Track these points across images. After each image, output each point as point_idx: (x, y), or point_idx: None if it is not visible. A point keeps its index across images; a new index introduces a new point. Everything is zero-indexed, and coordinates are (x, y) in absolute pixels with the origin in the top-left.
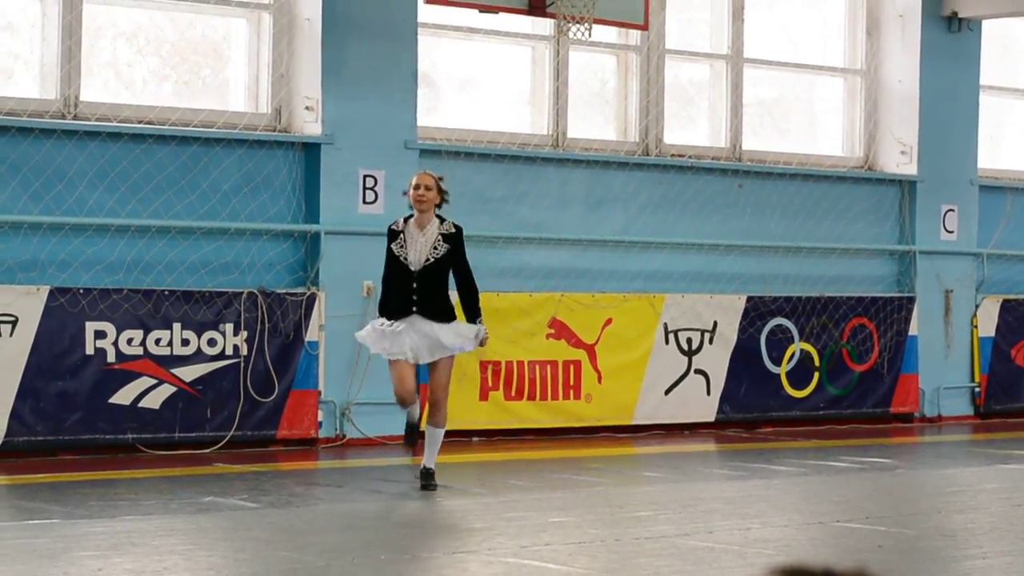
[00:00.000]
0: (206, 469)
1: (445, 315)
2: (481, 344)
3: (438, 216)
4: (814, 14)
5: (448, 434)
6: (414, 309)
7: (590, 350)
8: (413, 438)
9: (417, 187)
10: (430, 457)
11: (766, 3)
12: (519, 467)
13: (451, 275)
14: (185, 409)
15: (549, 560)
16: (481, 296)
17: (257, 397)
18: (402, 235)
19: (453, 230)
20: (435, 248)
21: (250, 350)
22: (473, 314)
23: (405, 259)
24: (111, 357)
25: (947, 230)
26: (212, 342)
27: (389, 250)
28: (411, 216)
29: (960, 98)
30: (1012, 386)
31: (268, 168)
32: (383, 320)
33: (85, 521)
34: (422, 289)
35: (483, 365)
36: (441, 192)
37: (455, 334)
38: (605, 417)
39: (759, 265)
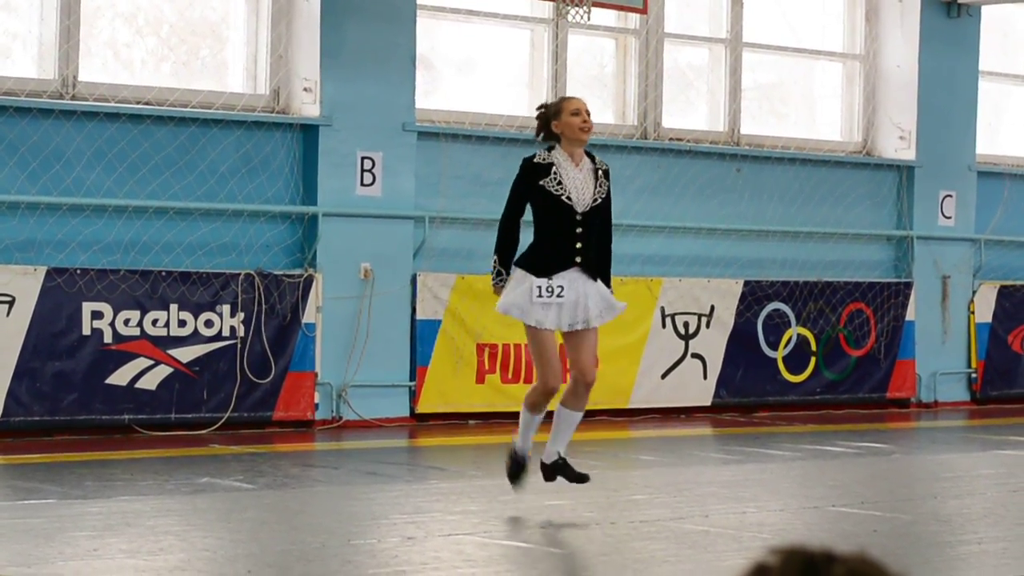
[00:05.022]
0: (202, 450)
1: (604, 271)
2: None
3: (586, 151)
4: None
5: (445, 417)
6: (578, 260)
7: None
8: (520, 472)
9: (577, 112)
10: (562, 440)
11: None
12: None
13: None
14: (181, 390)
15: (544, 543)
16: (477, 279)
17: (254, 378)
18: (554, 168)
19: (607, 167)
20: (599, 186)
21: (247, 331)
22: (607, 280)
23: (568, 198)
24: (108, 338)
25: (945, 216)
26: (209, 323)
27: (534, 187)
28: (552, 148)
29: (959, 84)
30: (1008, 372)
31: (266, 149)
32: (534, 281)
33: (81, 501)
34: (587, 236)
35: (480, 348)
36: None
37: (604, 299)
38: (601, 401)
39: (756, 249)
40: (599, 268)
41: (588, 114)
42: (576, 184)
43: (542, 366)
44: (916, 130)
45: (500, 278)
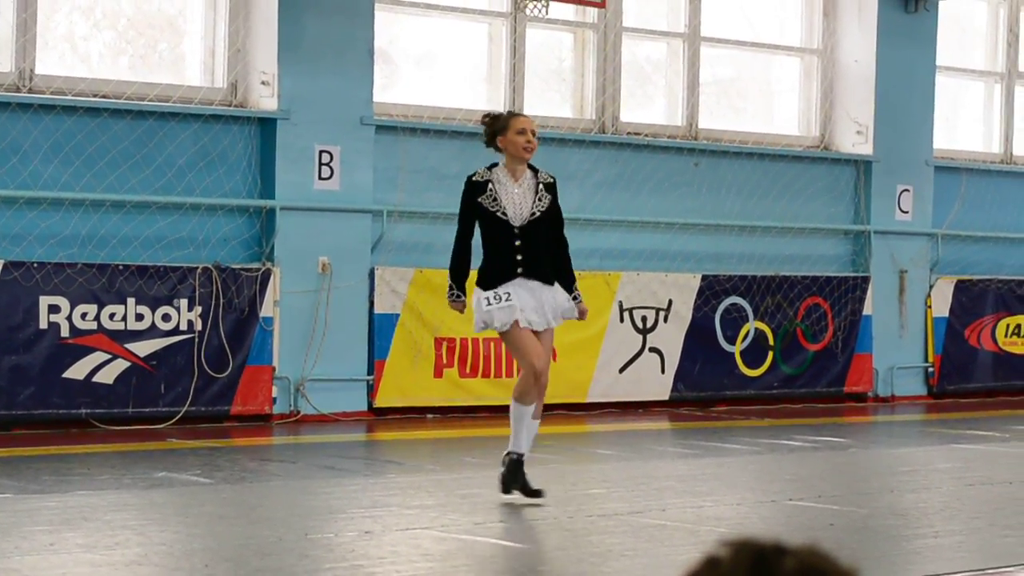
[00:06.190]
0: (159, 444)
1: (550, 278)
2: (580, 317)
3: (529, 165)
4: None
5: (403, 411)
6: (519, 271)
7: None
8: (515, 480)
9: (523, 131)
10: (525, 442)
11: None
12: (473, 444)
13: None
14: (139, 384)
15: (502, 537)
16: (435, 273)
17: (211, 373)
18: (490, 186)
19: (551, 180)
20: (539, 199)
21: (204, 325)
22: (571, 281)
23: (503, 214)
24: (65, 332)
25: (902, 210)
26: (166, 317)
27: (476, 205)
28: (495, 165)
29: (916, 79)
30: (965, 366)
31: (224, 143)
32: (481, 294)
33: (37, 496)
34: (528, 249)
35: (438, 342)
36: None
37: (557, 299)
38: (559, 395)
39: (714, 244)
40: (556, 275)
41: (534, 134)
42: (513, 200)
43: (522, 355)
44: (873, 125)
45: (452, 293)
